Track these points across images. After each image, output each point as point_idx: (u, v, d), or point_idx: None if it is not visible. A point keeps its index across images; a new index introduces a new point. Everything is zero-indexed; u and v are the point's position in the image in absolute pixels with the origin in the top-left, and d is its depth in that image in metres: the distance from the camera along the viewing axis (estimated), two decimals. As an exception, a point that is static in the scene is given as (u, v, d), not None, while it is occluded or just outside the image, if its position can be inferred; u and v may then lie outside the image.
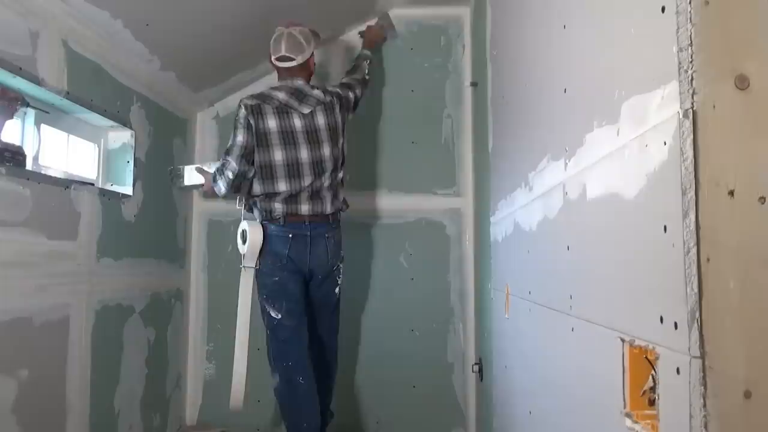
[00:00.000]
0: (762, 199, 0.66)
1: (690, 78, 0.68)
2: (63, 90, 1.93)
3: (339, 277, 2.48)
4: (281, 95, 2.35)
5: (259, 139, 2.29)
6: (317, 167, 2.34)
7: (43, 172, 2.03)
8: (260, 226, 2.32)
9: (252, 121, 2.29)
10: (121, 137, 2.41)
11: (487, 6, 2.34)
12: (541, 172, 1.39)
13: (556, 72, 1.27)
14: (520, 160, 1.66)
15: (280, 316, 2.30)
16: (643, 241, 0.79)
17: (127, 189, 2.38)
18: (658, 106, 0.75)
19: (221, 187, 2.37)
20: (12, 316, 1.69)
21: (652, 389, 0.79)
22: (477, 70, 2.70)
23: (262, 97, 2.34)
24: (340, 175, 2.44)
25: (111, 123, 2.30)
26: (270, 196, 2.31)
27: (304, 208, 2.33)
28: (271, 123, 2.30)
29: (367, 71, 2.67)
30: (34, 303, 1.79)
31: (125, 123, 2.35)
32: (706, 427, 0.64)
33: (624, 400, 0.84)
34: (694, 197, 0.66)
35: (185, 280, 2.95)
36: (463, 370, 2.87)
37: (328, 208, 2.37)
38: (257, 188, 2.32)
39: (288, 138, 2.32)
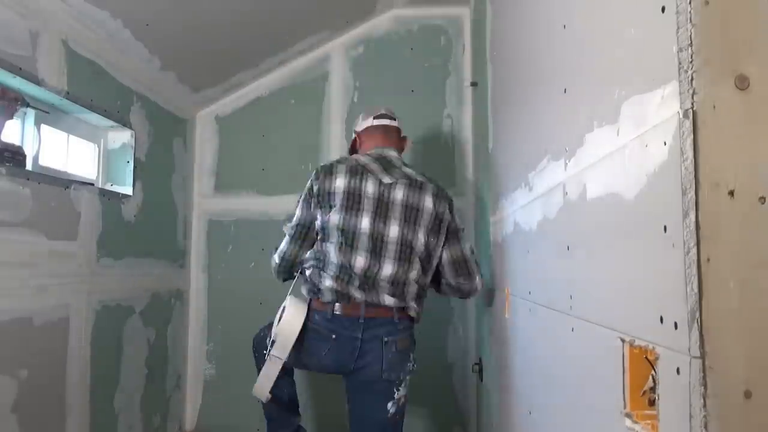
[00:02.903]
0: (762, 199, 0.66)
1: (690, 78, 0.68)
2: (63, 90, 1.93)
3: (398, 389, 1.90)
4: (363, 158, 2.00)
5: (321, 198, 1.94)
6: (377, 243, 1.90)
7: (42, 172, 2.03)
8: (304, 308, 1.88)
9: (317, 186, 1.95)
10: (121, 137, 2.42)
11: (487, 6, 2.34)
12: (541, 172, 1.38)
13: (556, 72, 1.27)
14: (520, 160, 1.66)
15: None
16: (643, 241, 0.79)
17: (127, 189, 2.38)
18: (658, 106, 0.75)
19: (272, 266, 2.07)
20: (12, 316, 1.69)
21: (652, 389, 0.79)
22: (477, 70, 2.70)
23: (341, 159, 2.03)
24: (418, 273, 1.93)
25: (111, 123, 2.31)
26: (320, 265, 1.91)
27: (357, 295, 1.87)
28: (339, 182, 1.93)
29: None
30: (34, 303, 1.79)
31: (125, 123, 2.35)
32: (706, 427, 0.64)
33: (624, 400, 0.84)
34: (694, 197, 0.66)
35: (185, 280, 2.95)
36: (463, 370, 2.87)
37: (387, 301, 1.88)
38: (308, 253, 1.96)
39: (352, 200, 1.91)
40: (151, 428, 2.57)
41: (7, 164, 1.73)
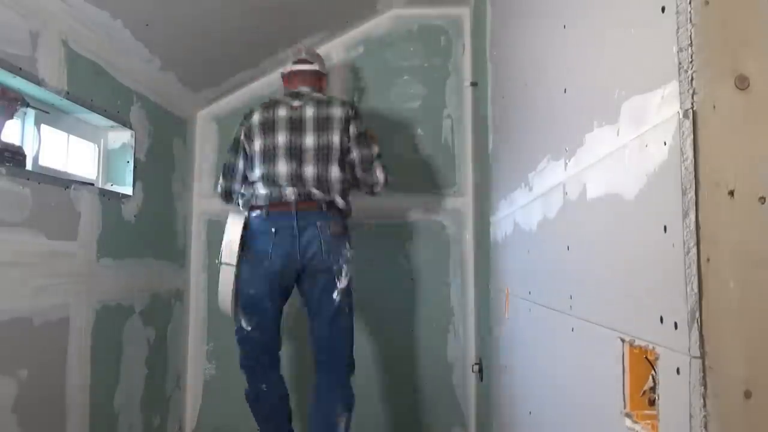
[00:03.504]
0: (762, 199, 0.66)
1: (690, 78, 0.68)
2: (63, 90, 1.93)
3: (339, 279, 2.19)
4: (280, 97, 2.41)
5: (247, 134, 2.33)
6: (294, 152, 2.23)
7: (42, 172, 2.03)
8: (242, 218, 2.21)
9: (243, 131, 2.35)
10: (121, 137, 2.41)
11: (487, 6, 2.34)
12: (541, 172, 1.38)
13: (556, 72, 1.27)
14: (520, 160, 1.66)
15: (250, 328, 2.22)
16: (643, 241, 0.79)
17: (127, 189, 2.38)
18: (658, 106, 0.75)
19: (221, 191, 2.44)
20: (12, 316, 1.69)
21: (652, 389, 0.79)
22: (477, 70, 2.70)
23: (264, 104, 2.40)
24: (336, 168, 2.24)
25: (111, 123, 2.30)
26: (251, 182, 2.29)
27: (287, 192, 2.19)
28: (255, 118, 2.33)
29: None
30: (34, 303, 1.79)
31: (125, 123, 2.35)
32: (706, 427, 0.64)
33: (624, 400, 0.84)
34: (694, 197, 0.66)
35: (185, 280, 2.95)
36: (463, 370, 2.87)
37: (315, 193, 2.19)
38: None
39: (267, 127, 2.28)
40: (151, 428, 2.57)
41: (7, 164, 1.72)
